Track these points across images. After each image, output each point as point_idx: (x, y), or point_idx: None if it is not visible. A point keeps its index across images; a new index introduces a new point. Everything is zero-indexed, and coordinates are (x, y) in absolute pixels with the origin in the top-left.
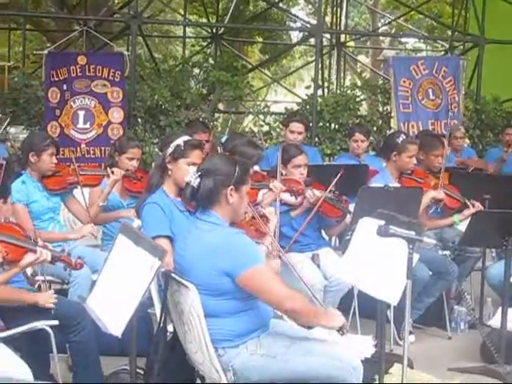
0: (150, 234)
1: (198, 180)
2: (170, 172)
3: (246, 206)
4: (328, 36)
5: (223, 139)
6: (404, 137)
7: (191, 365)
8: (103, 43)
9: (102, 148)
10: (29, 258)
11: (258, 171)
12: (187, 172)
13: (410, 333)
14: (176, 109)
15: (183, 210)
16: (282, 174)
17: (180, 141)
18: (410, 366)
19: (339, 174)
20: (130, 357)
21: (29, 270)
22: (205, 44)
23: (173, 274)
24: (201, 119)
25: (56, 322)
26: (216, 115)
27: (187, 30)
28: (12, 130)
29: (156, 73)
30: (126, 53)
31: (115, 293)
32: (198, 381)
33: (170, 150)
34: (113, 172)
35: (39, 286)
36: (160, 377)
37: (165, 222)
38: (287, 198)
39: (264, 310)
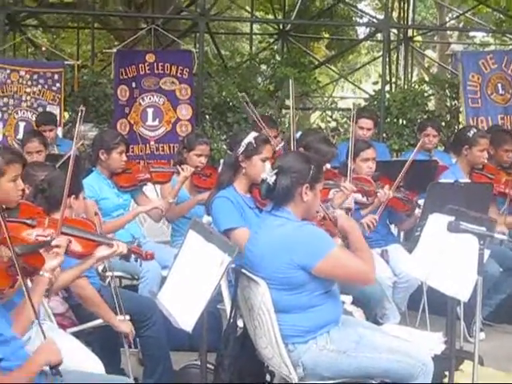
0: (222, 227)
1: (274, 177)
2: (243, 170)
3: (318, 204)
4: (395, 31)
5: (297, 135)
6: (475, 131)
7: (261, 360)
8: (170, 41)
9: (171, 145)
10: (104, 250)
11: (329, 169)
12: (262, 168)
13: (481, 330)
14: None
15: (253, 207)
16: (351, 170)
17: (250, 138)
18: (481, 363)
19: (405, 169)
20: (200, 352)
21: (100, 266)
22: (271, 40)
23: (243, 270)
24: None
25: (127, 317)
26: (283, 111)
27: (254, 26)
28: (81, 127)
29: (223, 70)
30: (193, 50)
31: (186, 288)
32: (268, 376)
33: (242, 148)
34: (183, 169)
35: (109, 283)
36: (230, 372)
37: (236, 214)
38: (358, 198)
39: (334, 306)
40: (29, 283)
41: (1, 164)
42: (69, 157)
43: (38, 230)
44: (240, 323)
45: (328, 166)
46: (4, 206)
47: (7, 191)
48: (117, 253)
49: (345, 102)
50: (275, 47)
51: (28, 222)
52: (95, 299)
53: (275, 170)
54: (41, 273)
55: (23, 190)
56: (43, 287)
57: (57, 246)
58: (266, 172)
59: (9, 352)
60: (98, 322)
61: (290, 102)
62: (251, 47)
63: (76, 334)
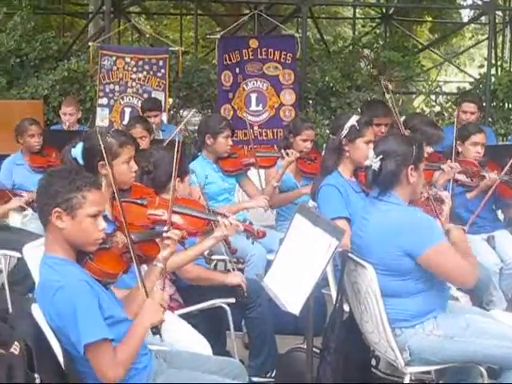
0: (327, 216)
1: (379, 163)
2: (347, 154)
3: (422, 184)
4: (500, 13)
5: (402, 119)
6: None
7: (367, 344)
8: (273, 26)
9: (275, 130)
10: (220, 230)
11: (433, 152)
12: (366, 151)
13: None
14: (347, 90)
15: (359, 191)
16: (457, 154)
17: (353, 121)
18: None
19: None
20: (306, 336)
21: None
22: (374, 24)
23: (350, 254)
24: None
25: (233, 300)
26: (387, 96)
27: (356, 10)
28: (185, 113)
29: (326, 54)
30: (296, 35)
31: (293, 272)
32: (373, 361)
33: (345, 132)
34: (287, 154)
35: (216, 265)
36: (335, 356)
37: (342, 203)
38: (463, 178)
39: (441, 291)
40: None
41: (114, 147)
42: (172, 140)
43: (150, 210)
44: (346, 307)
45: (431, 149)
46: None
47: (121, 173)
48: (232, 230)
49: (449, 86)
50: (378, 31)
51: (139, 201)
52: (203, 275)
53: (380, 156)
54: (154, 263)
55: (136, 172)
56: (155, 276)
57: (169, 238)
58: (369, 159)
59: (121, 333)
60: (205, 304)
61: (392, 86)
62: (354, 31)
63: (183, 317)
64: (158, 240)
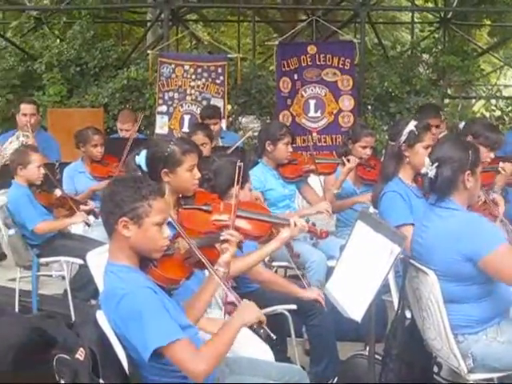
0: (392, 222)
1: (435, 170)
2: (407, 159)
3: (479, 188)
4: None
5: (461, 125)
6: None
7: (428, 351)
8: (331, 32)
9: (333, 136)
10: (286, 232)
11: (496, 157)
12: (425, 155)
13: None
14: (406, 95)
15: (420, 196)
16: None
17: (411, 126)
18: None
19: None
20: (368, 342)
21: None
22: (432, 29)
23: (411, 260)
24: None
25: (294, 307)
26: (446, 101)
27: (414, 15)
28: (243, 120)
29: (384, 60)
30: (355, 40)
31: (355, 278)
32: (435, 368)
33: (404, 137)
34: (348, 160)
35: (276, 271)
36: (397, 362)
37: (406, 209)
38: None
39: (504, 297)
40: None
41: (178, 154)
42: (235, 148)
43: (215, 215)
44: (408, 314)
45: (492, 155)
46: (180, 195)
47: (184, 180)
48: (297, 230)
49: (509, 90)
50: (436, 36)
51: (204, 207)
52: (273, 279)
53: (435, 164)
54: (215, 267)
55: (199, 179)
56: (217, 281)
57: (226, 241)
58: (425, 166)
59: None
60: (267, 310)
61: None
62: (412, 36)
63: None
64: (217, 245)
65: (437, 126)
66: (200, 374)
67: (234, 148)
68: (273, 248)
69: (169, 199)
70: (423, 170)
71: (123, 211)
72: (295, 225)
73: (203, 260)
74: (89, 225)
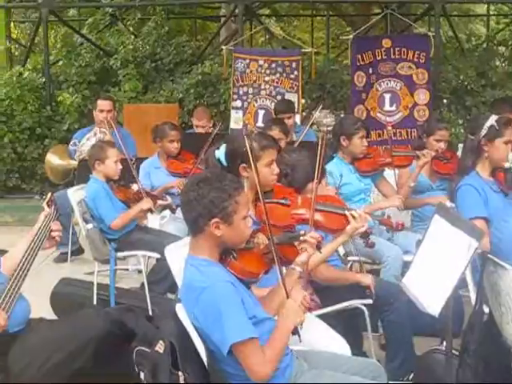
0: (466, 215)
1: None
2: (486, 154)
3: None
4: None
5: None
6: None
7: (507, 347)
8: (405, 25)
9: (409, 130)
10: (351, 223)
11: None
12: (505, 151)
13: None
14: (481, 88)
15: (497, 190)
16: None
17: (492, 121)
18: None
19: None
20: (446, 337)
21: (341, 250)
22: (508, 21)
23: (490, 255)
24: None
25: (370, 301)
26: None
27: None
28: (316, 114)
29: (460, 53)
30: (430, 34)
31: (432, 273)
32: None
33: (484, 131)
34: (423, 154)
35: (351, 266)
36: (475, 358)
37: (480, 203)
38: None
39: None
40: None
41: (256, 149)
42: (309, 142)
43: (293, 209)
44: (486, 309)
45: None
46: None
47: (263, 175)
48: (362, 221)
49: None
50: None
51: (283, 201)
52: (334, 275)
53: None
54: (292, 266)
55: (278, 175)
56: (293, 279)
57: (306, 241)
58: (509, 160)
59: (263, 332)
60: (343, 305)
61: None
62: (488, 28)
63: (321, 317)
64: (296, 243)
65: None
66: (264, 378)
67: (299, 141)
68: (340, 241)
69: (247, 194)
70: (507, 165)
71: (213, 213)
72: (353, 217)
73: (277, 258)
74: (152, 211)
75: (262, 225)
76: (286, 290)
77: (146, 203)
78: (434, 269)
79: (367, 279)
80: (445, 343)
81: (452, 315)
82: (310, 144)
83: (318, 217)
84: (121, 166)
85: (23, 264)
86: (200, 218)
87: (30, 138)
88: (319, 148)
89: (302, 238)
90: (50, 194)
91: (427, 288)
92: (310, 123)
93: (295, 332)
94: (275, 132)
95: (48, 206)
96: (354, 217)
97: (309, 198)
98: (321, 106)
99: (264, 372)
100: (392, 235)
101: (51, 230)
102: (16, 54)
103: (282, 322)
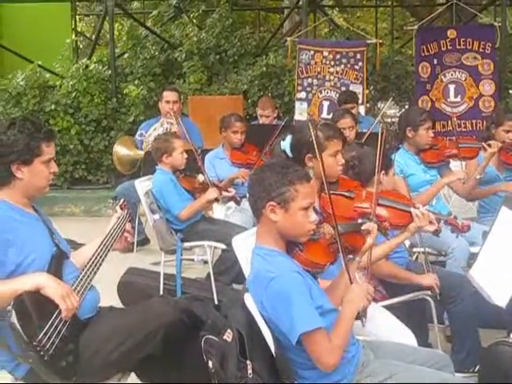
0: None
1: None
2: None
3: None
4: None
5: None
6: None
7: None
8: (470, 16)
9: (473, 121)
10: (414, 222)
11: None
12: None
13: None
14: None
15: None
16: None
17: None
18: None
19: None
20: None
21: (407, 242)
22: None
23: None
24: None
25: (436, 292)
26: None
27: None
28: (386, 107)
29: None
30: (496, 24)
31: (499, 264)
32: None
33: None
34: (489, 145)
35: (417, 257)
36: None
37: None
38: None
39: None
40: None
41: (321, 140)
42: (373, 134)
43: (357, 202)
44: None
45: None
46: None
47: (327, 166)
48: (424, 220)
49: None
50: None
51: (347, 194)
52: (393, 272)
53: None
54: (351, 256)
55: (342, 165)
56: (353, 270)
57: (367, 231)
58: None
59: (329, 322)
60: (409, 296)
61: None
62: None
63: (387, 308)
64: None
65: None
66: (331, 367)
67: (368, 134)
68: (403, 238)
69: (313, 184)
70: None
71: (271, 196)
72: (417, 215)
73: (341, 247)
74: (218, 200)
75: (326, 216)
76: (349, 276)
77: (212, 193)
78: (501, 260)
79: (429, 280)
80: (511, 335)
81: None
82: (374, 135)
83: (381, 211)
84: (186, 156)
85: (95, 258)
86: (258, 200)
87: (96, 130)
88: (379, 139)
89: (363, 227)
90: (122, 200)
91: (494, 280)
92: (380, 115)
93: (359, 317)
94: (348, 120)
95: (121, 209)
96: (417, 215)
97: (373, 193)
98: (390, 99)
99: (331, 360)
100: (457, 235)
101: (125, 230)
102: (81, 46)
103: (346, 306)
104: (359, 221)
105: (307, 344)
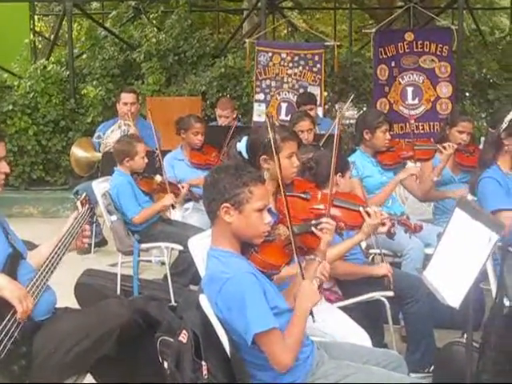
0: (489, 208)
1: None
2: (506, 148)
3: None
4: None
5: None
6: None
7: None
8: (428, 19)
9: (431, 123)
10: (368, 221)
11: None
12: None
13: None
14: (504, 82)
15: None
16: None
17: None
18: None
19: None
20: (466, 330)
21: (363, 244)
22: None
23: (510, 248)
24: None
25: (391, 293)
26: None
27: None
28: (345, 109)
29: (483, 46)
30: (453, 27)
31: (453, 265)
32: None
33: (504, 125)
34: (444, 147)
35: (373, 259)
36: (496, 351)
37: (503, 195)
38: None
39: None
40: None
41: (277, 141)
42: (331, 135)
43: (313, 203)
44: (506, 302)
45: None
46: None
47: (284, 167)
48: (376, 218)
49: None
50: None
51: (303, 195)
52: (349, 270)
53: None
54: (311, 256)
55: (297, 167)
56: (313, 270)
57: (322, 228)
58: None
59: (285, 322)
60: (364, 297)
61: None
62: (511, 21)
63: (342, 309)
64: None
65: None
66: (287, 366)
67: (327, 135)
68: (356, 240)
69: (268, 186)
70: None
71: (225, 197)
72: (367, 214)
73: (295, 249)
74: (174, 207)
75: (281, 217)
76: (303, 276)
77: (168, 199)
78: (455, 261)
79: (382, 269)
80: (465, 336)
81: (472, 308)
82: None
83: (335, 212)
84: (147, 161)
85: (52, 257)
86: (213, 202)
87: (54, 131)
88: (335, 141)
89: (319, 226)
90: (84, 194)
91: (448, 280)
92: (338, 118)
93: (310, 312)
94: (307, 123)
95: (82, 205)
96: (368, 214)
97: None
98: (350, 100)
99: (286, 360)
100: (410, 236)
101: (83, 230)
102: (40, 47)
103: (298, 303)
104: (313, 222)
105: (262, 344)
